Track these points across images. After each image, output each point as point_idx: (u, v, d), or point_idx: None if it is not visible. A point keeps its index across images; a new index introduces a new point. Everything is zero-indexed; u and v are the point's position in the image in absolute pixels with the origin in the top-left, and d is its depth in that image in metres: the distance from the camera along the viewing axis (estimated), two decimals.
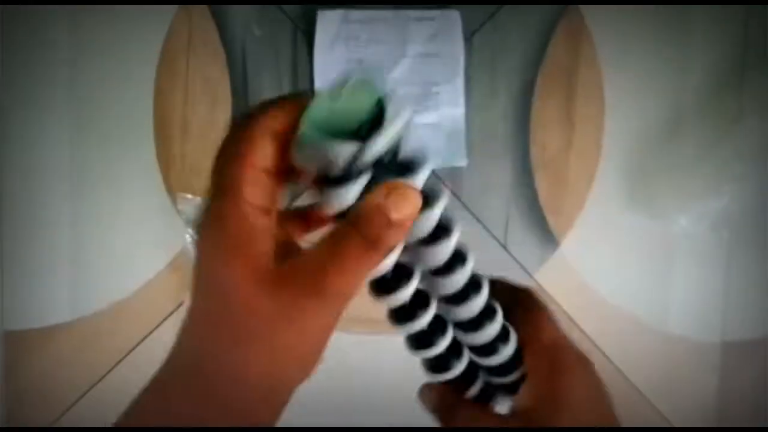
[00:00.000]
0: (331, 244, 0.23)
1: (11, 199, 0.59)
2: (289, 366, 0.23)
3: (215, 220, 0.23)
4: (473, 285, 0.27)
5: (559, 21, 0.59)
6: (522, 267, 0.60)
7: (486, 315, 0.27)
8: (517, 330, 0.28)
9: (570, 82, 0.60)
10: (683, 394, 0.63)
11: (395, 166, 0.24)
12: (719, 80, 0.60)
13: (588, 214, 0.60)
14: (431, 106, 0.59)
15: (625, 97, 0.60)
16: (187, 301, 0.25)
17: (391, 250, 0.23)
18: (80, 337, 0.60)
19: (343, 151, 0.21)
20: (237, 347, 0.23)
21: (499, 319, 0.28)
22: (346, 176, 0.22)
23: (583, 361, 0.27)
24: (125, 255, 0.60)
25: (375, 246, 0.22)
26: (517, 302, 0.29)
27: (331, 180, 0.23)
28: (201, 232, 0.24)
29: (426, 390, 0.28)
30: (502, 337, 0.28)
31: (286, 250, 0.24)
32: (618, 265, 0.61)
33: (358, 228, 0.22)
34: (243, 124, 0.23)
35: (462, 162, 0.59)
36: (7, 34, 0.58)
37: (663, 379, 0.62)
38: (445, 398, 0.28)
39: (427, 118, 0.59)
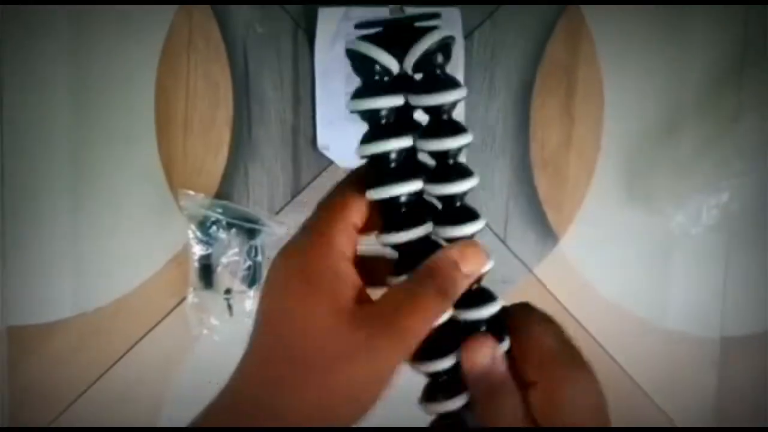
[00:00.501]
0: (408, 289, 0.25)
1: (13, 196, 0.59)
2: (351, 402, 0.24)
3: (302, 256, 0.25)
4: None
5: (558, 20, 0.60)
6: (522, 262, 0.61)
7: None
8: (517, 343, 0.27)
9: (569, 80, 0.60)
10: (682, 388, 0.63)
11: (454, 214, 0.28)
12: (718, 78, 0.60)
13: (587, 210, 0.61)
14: None
15: (624, 95, 0.61)
16: (250, 329, 0.26)
17: (457, 298, 0.25)
18: (82, 333, 0.60)
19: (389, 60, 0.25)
20: (308, 379, 0.24)
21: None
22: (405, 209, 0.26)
23: (585, 370, 0.26)
24: (127, 252, 0.60)
25: (447, 294, 0.25)
26: (514, 315, 0.28)
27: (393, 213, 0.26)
28: (283, 262, 0.26)
29: (481, 372, 0.26)
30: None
31: (360, 297, 0.25)
32: (617, 261, 0.62)
33: (433, 277, 0.25)
34: (342, 185, 0.28)
35: (461, 159, 0.59)
36: (8, 33, 0.58)
37: (662, 373, 0.63)
38: (493, 384, 0.26)
39: None
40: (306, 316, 0.24)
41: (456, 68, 0.59)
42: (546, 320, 0.28)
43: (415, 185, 0.26)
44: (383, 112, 0.27)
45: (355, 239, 0.27)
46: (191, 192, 0.58)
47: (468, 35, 0.59)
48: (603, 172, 0.61)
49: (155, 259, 0.60)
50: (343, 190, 0.28)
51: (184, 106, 0.59)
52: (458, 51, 0.59)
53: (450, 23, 0.59)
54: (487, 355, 0.26)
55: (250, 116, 0.59)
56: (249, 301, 0.59)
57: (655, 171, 0.62)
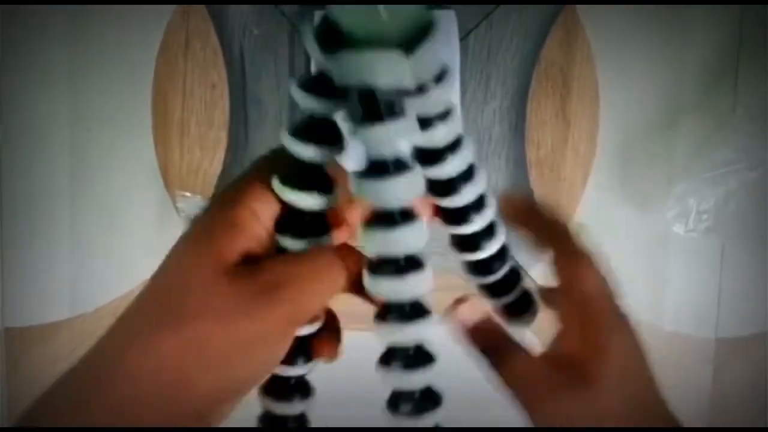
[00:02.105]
0: (308, 258, 0.24)
1: (11, 197, 0.59)
2: (233, 365, 0.22)
3: (206, 213, 0.24)
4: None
5: (554, 20, 0.60)
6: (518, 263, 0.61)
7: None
8: (554, 272, 0.27)
9: (565, 81, 0.60)
10: (677, 389, 0.63)
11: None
12: (714, 79, 0.60)
13: (583, 211, 0.61)
14: None
15: (620, 96, 0.61)
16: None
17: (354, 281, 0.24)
18: (80, 334, 0.61)
19: (391, 62, 0.20)
20: (181, 327, 0.22)
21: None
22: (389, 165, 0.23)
23: (623, 316, 0.27)
24: (124, 253, 0.60)
25: (345, 271, 0.24)
26: (554, 240, 0.28)
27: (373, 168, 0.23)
28: (190, 223, 0.24)
29: (475, 330, 0.27)
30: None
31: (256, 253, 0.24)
32: (613, 261, 0.62)
33: (335, 251, 0.24)
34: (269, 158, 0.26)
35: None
36: (6, 34, 0.58)
37: (657, 374, 0.63)
38: (494, 338, 0.27)
39: None
40: (187, 269, 0.23)
41: (452, 69, 0.59)
42: (590, 255, 0.28)
43: (319, 201, 0.25)
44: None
45: (276, 210, 0.24)
46: (188, 193, 0.58)
47: (464, 36, 0.59)
48: (599, 172, 0.61)
49: (152, 260, 0.60)
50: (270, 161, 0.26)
51: (181, 108, 0.59)
52: (454, 52, 0.59)
53: (445, 24, 0.59)
54: (474, 311, 0.26)
55: (247, 118, 0.60)
56: None
57: (650, 172, 0.62)
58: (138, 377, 0.22)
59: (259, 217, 0.24)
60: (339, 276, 0.24)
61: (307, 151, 0.24)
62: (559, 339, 0.27)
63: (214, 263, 0.22)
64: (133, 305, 0.24)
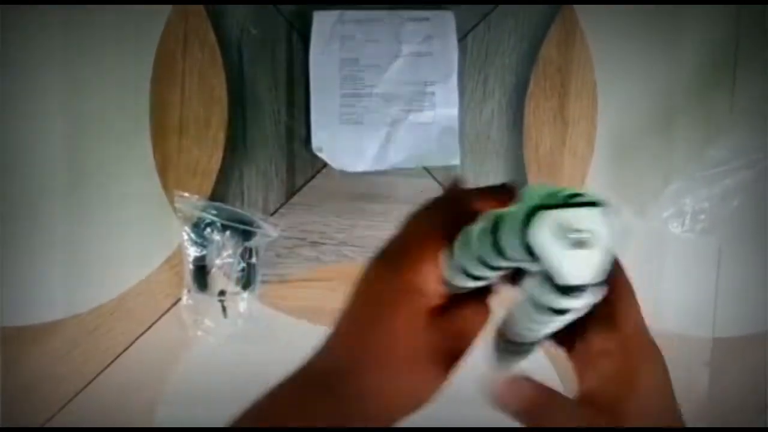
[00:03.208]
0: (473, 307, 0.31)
1: (8, 197, 0.59)
2: (414, 395, 0.30)
3: (408, 260, 0.30)
4: None
5: (552, 21, 0.60)
6: None
7: None
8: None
9: (563, 82, 0.60)
10: (675, 389, 0.63)
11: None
12: (711, 80, 0.61)
13: None
14: (425, 105, 0.59)
15: (617, 97, 0.61)
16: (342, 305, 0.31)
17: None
18: (76, 334, 0.60)
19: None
20: (384, 369, 0.29)
21: None
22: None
23: (656, 350, 0.28)
24: (122, 253, 0.60)
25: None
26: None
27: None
28: (387, 260, 0.31)
29: (512, 386, 0.28)
30: None
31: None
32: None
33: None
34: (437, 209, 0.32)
35: (455, 160, 0.60)
36: (3, 34, 0.58)
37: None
38: (535, 396, 0.28)
39: (421, 117, 0.59)
40: (399, 317, 0.29)
41: (450, 71, 0.59)
42: (632, 289, 0.30)
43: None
44: None
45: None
46: (186, 194, 0.58)
47: (462, 37, 0.60)
48: (596, 173, 0.61)
49: (150, 260, 0.60)
50: (437, 217, 0.31)
51: (179, 108, 0.59)
52: (452, 53, 0.59)
53: (443, 25, 0.59)
54: (523, 398, 0.28)
55: (245, 118, 0.60)
56: (243, 303, 0.59)
57: (648, 172, 0.62)
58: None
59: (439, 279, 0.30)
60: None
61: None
62: (594, 373, 0.29)
63: (423, 318, 0.29)
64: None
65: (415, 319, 0.29)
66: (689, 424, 0.59)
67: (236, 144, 0.60)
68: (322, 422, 0.28)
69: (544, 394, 0.28)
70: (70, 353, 0.60)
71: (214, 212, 0.58)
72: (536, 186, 0.29)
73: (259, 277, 0.59)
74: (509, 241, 0.28)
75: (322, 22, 0.58)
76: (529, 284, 0.29)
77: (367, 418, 0.29)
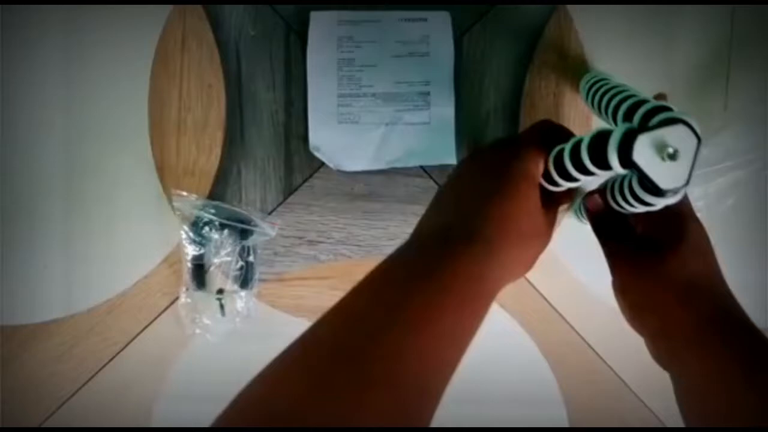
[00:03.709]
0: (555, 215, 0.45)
1: (7, 196, 0.59)
2: (542, 246, 0.42)
3: (526, 153, 0.41)
4: None
5: (548, 22, 0.60)
6: None
7: None
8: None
9: (558, 82, 0.61)
10: (670, 387, 0.64)
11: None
12: (706, 78, 0.61)
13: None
14: (422, 105, 0.60)
15: None
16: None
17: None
18: (74, 333, 0.61)
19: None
20: (523, 241, 0.40)
21: None
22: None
23: (699, 222, 0.43)
24: (120, 251, 0.60)
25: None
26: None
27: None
28: (507, 150, 0.42)
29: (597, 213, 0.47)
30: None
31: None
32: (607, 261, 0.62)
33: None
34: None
35: (452, 160, 0.60)
36: (1, 33, 0.58)
37: (651, 373, 0.63)
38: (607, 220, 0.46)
39: (418, 117, 0.60)
40: (529, 197, 0.40)
41: (446, 70, 0.60)
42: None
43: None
44: None
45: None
46: (184, 192, 0.59)
47: (458, 37, 0.60)
48: None
49: (148, 259, 0.60)
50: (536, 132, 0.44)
51: (177, 107, 0.59)
52: (449, 54, 0.60)
53: (439, 26, 0.60)
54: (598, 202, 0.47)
55: (243, 117, 0.60)
56: (241, 301, 0.60)
57: None
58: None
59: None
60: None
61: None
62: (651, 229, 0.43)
63: (537, 202, 0.41)
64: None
65: (533, 196, 0.39)
66: (687, 424, 0.59)
67: (234, 143, 0.60)
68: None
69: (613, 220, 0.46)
70: (68, 352, 0.61)
71: (212, 211, 0.59)
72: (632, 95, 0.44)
73: (257, 276, 0.60)
74: (611, 155, 0.37)
75: (320, 22, 0.59)
76: (627, 181, 0.41)
77: (489, 277, 0.36)
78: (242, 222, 0.59)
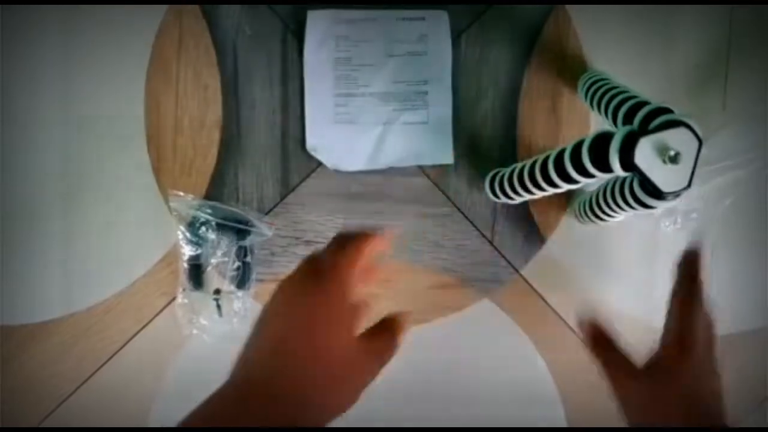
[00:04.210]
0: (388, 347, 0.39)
1: (6, 196, 0.59)
2: (348, 402, 0.36)
3: (327, 286, 0.37)
4: None
5: (546, 21, 0.60)
6: (509, 263, 0.61)
7: None
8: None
9: (556, 81, 0.60)
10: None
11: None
12: (703, 78, 0.61)
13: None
14: (419, 104, 0.60)
15: None
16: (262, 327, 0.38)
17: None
18: (73, 332, 0.61)
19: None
20: (340, 384, 0.36)
21: None
22: None
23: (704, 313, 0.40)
24: (117, 252, 0.60)
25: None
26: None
27: None
28: (307, 289, 0.37)
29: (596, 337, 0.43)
30: None
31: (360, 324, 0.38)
32: (604, 261, 0.62)
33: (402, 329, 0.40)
34: (352, 238, 0.38)
35: (449, 160, 0.60)
36: (1, 34, 0.58)
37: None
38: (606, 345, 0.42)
39: (415, 116, 0.60)
40: (334, 340, 0.36)
41: (444, 70, 0.60)
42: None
43: None
44: None
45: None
46: (180, 193, 0.59)
47: (456, 37, 0.60)
48: None
49: (145, 259, 0.60)
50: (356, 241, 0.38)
51: (174, 107, 0.59)
52: (446, 53, 0.59)
53: (437, 25, 0.59)
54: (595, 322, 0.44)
55: (240, 117, 0.60)
56: (237, 302, 0.59)
57: None
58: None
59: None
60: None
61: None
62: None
63: (351, 341, 0.37)
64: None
65: (349, 340, 0.36)
66: (684, 423, 0.59)
67: (231, 143, 0.60)
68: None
69: (608, 339, 0.42)
70: (67, 352, 0.61)
71: (209, 212, 0.59)
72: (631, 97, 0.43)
73: (254, 276, 0.60)
74: (613, 158, 0.36)
75: (316, 21, 0.59)
76: (627, 182, 0.40)
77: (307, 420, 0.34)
78: (239, 222, 0.59)
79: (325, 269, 0.38)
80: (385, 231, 0.39)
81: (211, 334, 0.60)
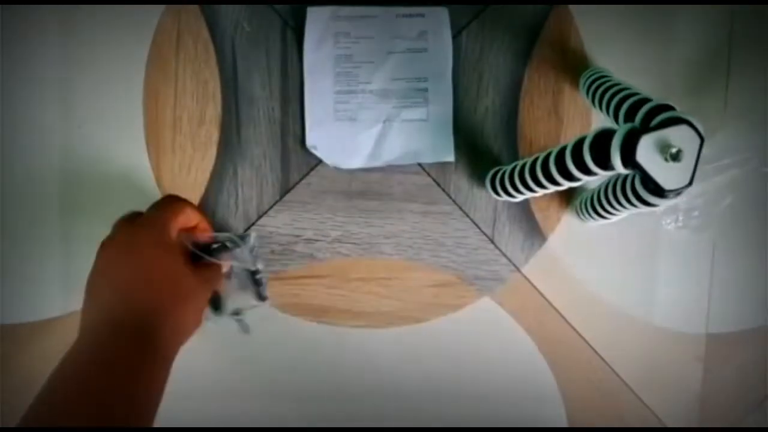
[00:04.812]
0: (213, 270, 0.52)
1: (5, 195, 0.59)
2: (194, 322, 0.48)
3: (155, 226, 0.49)
4: None
5: (546, 19, 0.60)
6: (509, 261, 0.61)
7: None
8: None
9: (557, 80, 0.60)
10: (668, 385, 0.64)
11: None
12: (705, 77, 0.61)
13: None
14: (419, 102, 0.59)
15: None
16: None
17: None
18: (73, 331, 0.60)
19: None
20: (175, 304, 0.45)
21: None
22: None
23: None
24: None
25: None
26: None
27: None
28: (136, 227, 0.50)
29: None
30: None
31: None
32: (605, 259, 0.62)
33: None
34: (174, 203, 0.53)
35: (450, 158, 0.60)
36: (0, 34, 0.58)
37: (648, 370, 0.63)
38: None
39: (415, 114, 0.59)
40: (168, 265, 0.45)
41: (444, 67, 0.59)
42: None
43: None
44: None
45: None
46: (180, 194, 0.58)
47: (456, 35, 0.59)
48: None
49: None
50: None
51: (173, 105, 0.59)
52: (446, 50, 0.59)
53: (437, 22, 0.59)
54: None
55: (239, 115, 0.59)
56: (260, 313, 0.59)
57: None
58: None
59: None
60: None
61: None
62: None
63: (183, 266, 0.48)
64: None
65: (184, 265, 0.47)
66: (683, 421, 0.60)
67: (230, 141, 0.59)
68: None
69: None
70: (67, 350, 0.60)
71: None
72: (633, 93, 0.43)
73: (266, 282, 0.59)
74: (614, 155, 0.36)
75: (316, 18, 0.58)
76: (629, 179, 0.41)
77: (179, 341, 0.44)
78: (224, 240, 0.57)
79: (145, 218, 0.48)
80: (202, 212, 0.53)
81: (210, 334, 0.60)
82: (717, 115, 0.60)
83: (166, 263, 0.45)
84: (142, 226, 0.48)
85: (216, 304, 0.58)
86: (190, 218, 0.52)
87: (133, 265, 0.45)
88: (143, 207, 0.60)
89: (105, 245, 0.47)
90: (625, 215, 0.51)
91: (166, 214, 0.49)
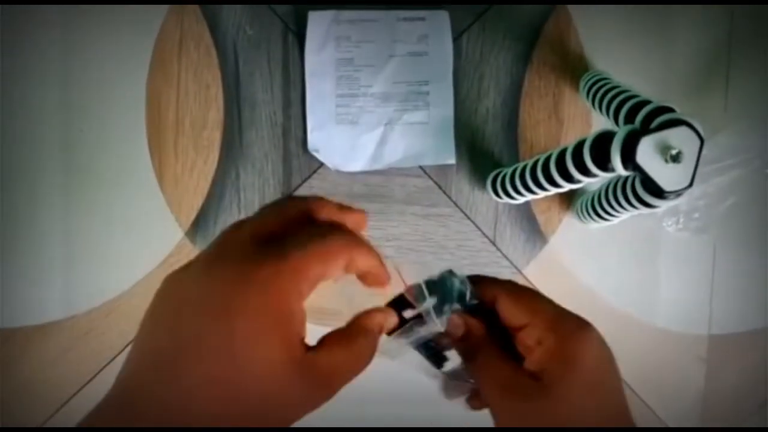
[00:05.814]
0: (345, 348, 0.26)
1: (5, 198, 0.59)
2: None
3: (260, 284, 0.23)
4: None
5: (546, 21, 0.60)
6: (511, 263, 0.61)
7: None
8: (510, 316, 0.30)
9: (557, 81, 0.60)
10: (670, 385, 0.64)
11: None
12: (705, 78, 0.61)
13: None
14: (420, 104, 0.60)
15: None
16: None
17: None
18: (73, 334, 0.60)
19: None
20: (260, 420, 0.23)
21: None
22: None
23: (585, 326, 0.29)
24: (118, 254, 0.60)
25: (371, 353, 0.27)
26: (504, 293, 0.30)
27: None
28: (234, 287, 0.23)
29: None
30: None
31: (302, 335, 0.26)
32: (605, 261, 0.62)
33: (365, 336, 0.27)
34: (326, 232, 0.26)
35: (451, 160, 0.60)
36: (3, 34, 0.58)
37: (650, 371, 0.63)
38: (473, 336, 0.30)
39: (417, 117, 0.60)
40: (262, 359, 0.23)
41: (445, 70, 0.60)
42: (534, 291, 0.31)
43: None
44: None
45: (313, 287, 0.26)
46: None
47: (457, 37, 0.60)
48: None
49: (146, 261, 0.60)
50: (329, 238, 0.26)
51: (175, 108, 0.59)
52: (447, 53, 0.59)
53: (438, 25, 0.59)
54: (460, 326, 0.29)
55: (241, 118, 0.60)
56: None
57: None
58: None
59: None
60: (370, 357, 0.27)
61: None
62: (528, 349, 0.29)
63: (287, 358, 0.24)
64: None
65: (286, 352, 0.24)
66: (685, 423, 0.60)
67: (232, 144, 0.60)
68: None
69: (481, 335, 0.29)
70: (68, 353, 0.60)
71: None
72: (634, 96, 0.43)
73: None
74: (615, 157, 0.36)
75: (318, 22, 0.59)
76: (629, 181, 0.40)
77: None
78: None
79: (279, 247, 0.24)
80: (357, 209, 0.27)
81: None
82: (717, 116, 0.61)
83: (275, 345, 0.23)
84: (283, 262, 0.24)
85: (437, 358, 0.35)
86: (360, 264, 0.27)
87: (230, 348, 0.23)
88: (144, 209, 0.60)
89: (207, 271, 0.24)
90: (626, 217, 0.51)
91: (339, 249, 0.26)
